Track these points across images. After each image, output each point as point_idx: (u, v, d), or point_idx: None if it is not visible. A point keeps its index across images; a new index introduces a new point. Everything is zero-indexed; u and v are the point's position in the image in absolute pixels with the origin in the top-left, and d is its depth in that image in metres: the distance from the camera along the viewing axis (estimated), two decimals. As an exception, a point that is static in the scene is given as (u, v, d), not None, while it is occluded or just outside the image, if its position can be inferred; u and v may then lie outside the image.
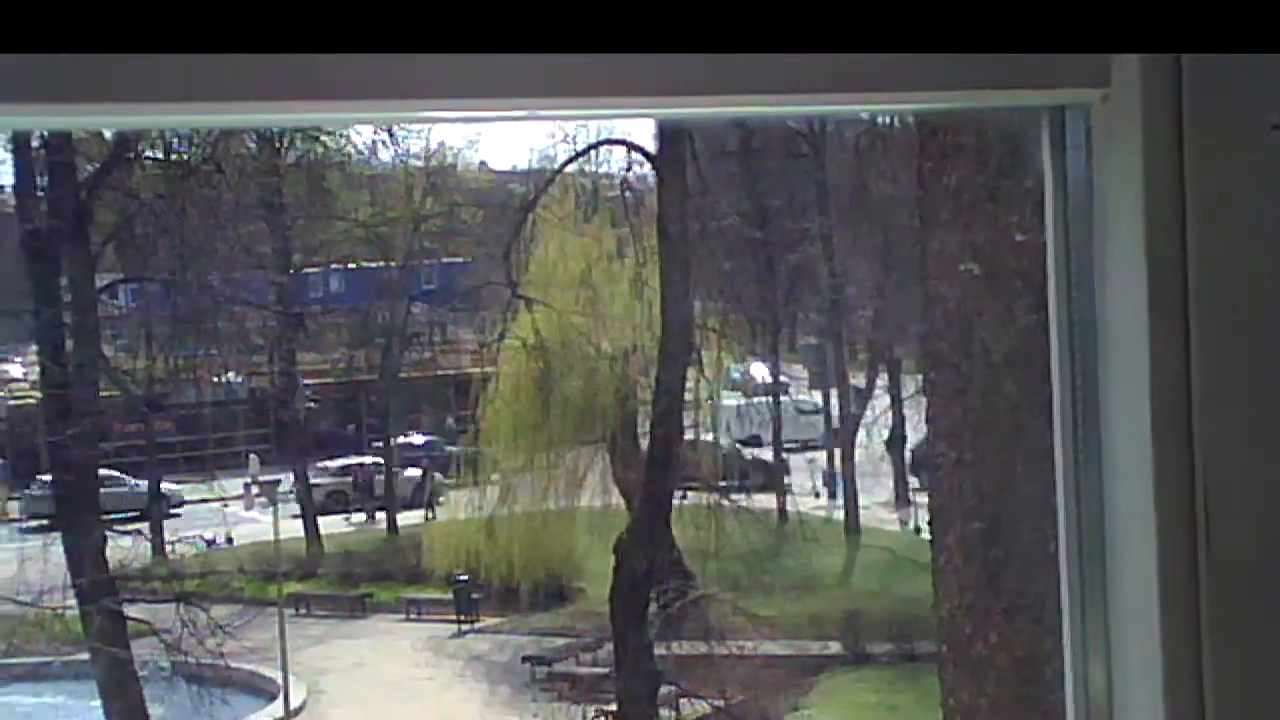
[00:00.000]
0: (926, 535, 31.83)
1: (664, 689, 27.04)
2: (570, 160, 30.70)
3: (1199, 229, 2.16)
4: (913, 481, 38.61)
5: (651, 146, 29.64)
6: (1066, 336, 2.34)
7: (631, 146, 29.60)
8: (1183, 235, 2.16)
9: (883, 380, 37.91)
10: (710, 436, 31.60)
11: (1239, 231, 2.17)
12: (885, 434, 37.55)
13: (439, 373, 41.71)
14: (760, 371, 37.15)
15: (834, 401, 38.03)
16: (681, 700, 28.80)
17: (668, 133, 26.50)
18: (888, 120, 35.66)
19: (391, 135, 37.18)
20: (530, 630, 34.08)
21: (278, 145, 39.58)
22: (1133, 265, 2.20)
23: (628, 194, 29.98)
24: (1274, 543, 2.19)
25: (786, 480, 36.67)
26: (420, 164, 39.52)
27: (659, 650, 27.17)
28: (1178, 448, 2.18)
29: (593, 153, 32.69)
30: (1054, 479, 2.59)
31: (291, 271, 40.84)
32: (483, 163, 43.92)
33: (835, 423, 38.04)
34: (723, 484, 31.15)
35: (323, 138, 39.22)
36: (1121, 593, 2.32)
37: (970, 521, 2.23)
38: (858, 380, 37.96)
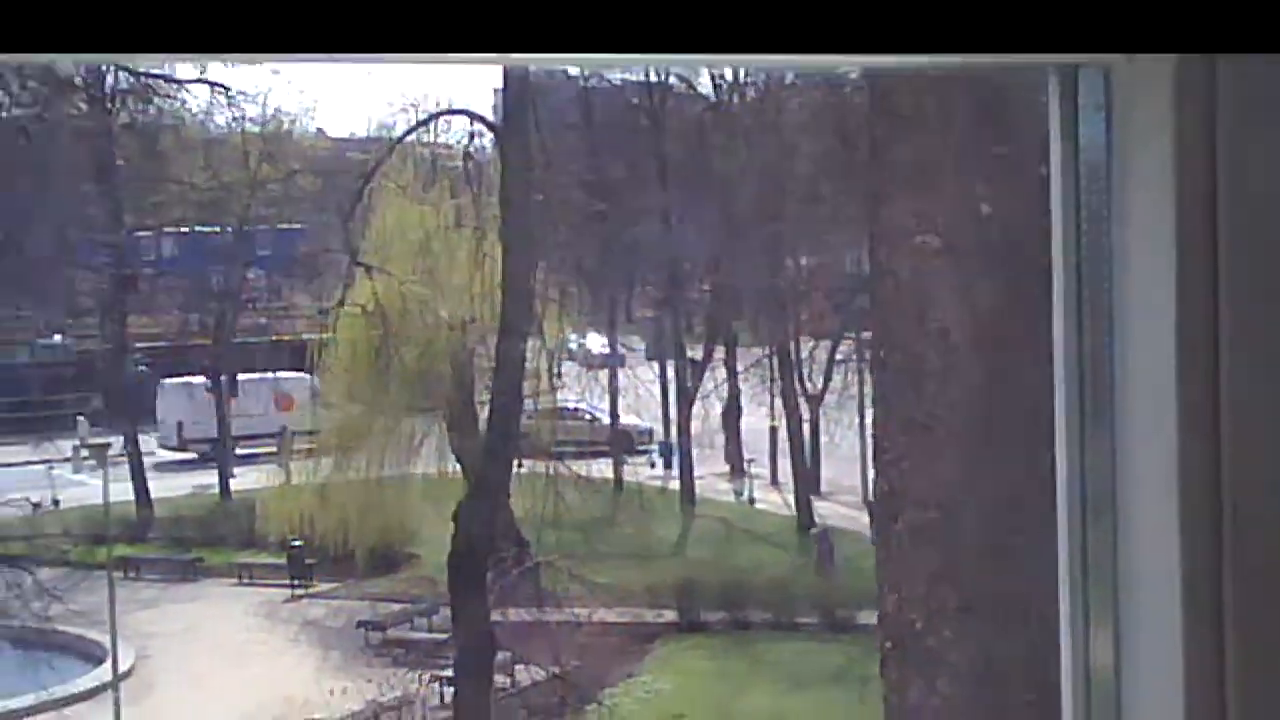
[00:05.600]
0: (760, 506, 32.06)
1: (500, 655, 27.21)
2: (413, 129, 30.69)
3: (1232, 197, 2.05)
4: (746, 453, 39.20)
5: (493, 117, 29.82)
6: (1074, 309, 2.24)
7: (474, 117, 29.65)
8: (1214, 204, 2.04)
9: (720, 353, 38.39)
10: (550, 405, 31.79)
11: (1276, 200, 2.06)
12: (721, 405, 38.07)
13: (274, 338, 41.40)
14: (597, 342, 37.43)
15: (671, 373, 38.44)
16: (517, 666, 29.01)
17: (511, 103, 26.59)
18: (729, 97, 36.17)
19: (229, 98, 36.79)
20: (364, 596, 34.09)
21: (109, 106, 39.06)
22: (1159, 235, 2.09)
23: (469, 164, 30.00)
24: None
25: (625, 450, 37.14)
26: (257, 129, 39.11)
27: (495, 617, 27.32)
28: (1204, 425, 2.08)
29: (433, 122, 32.76)
30: (1024, 464, 2.58)
31: (124, 233, 40.33)
32: (320, 130, 43.64)
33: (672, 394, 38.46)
34: (561, 452, 31.33)
35: (156, 100, 38.76)
36: (1135, 568, 2.23)
37: (923, 510, 2.27)
38: (695, 353, 38.37)
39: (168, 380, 40.84)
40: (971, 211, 2.61)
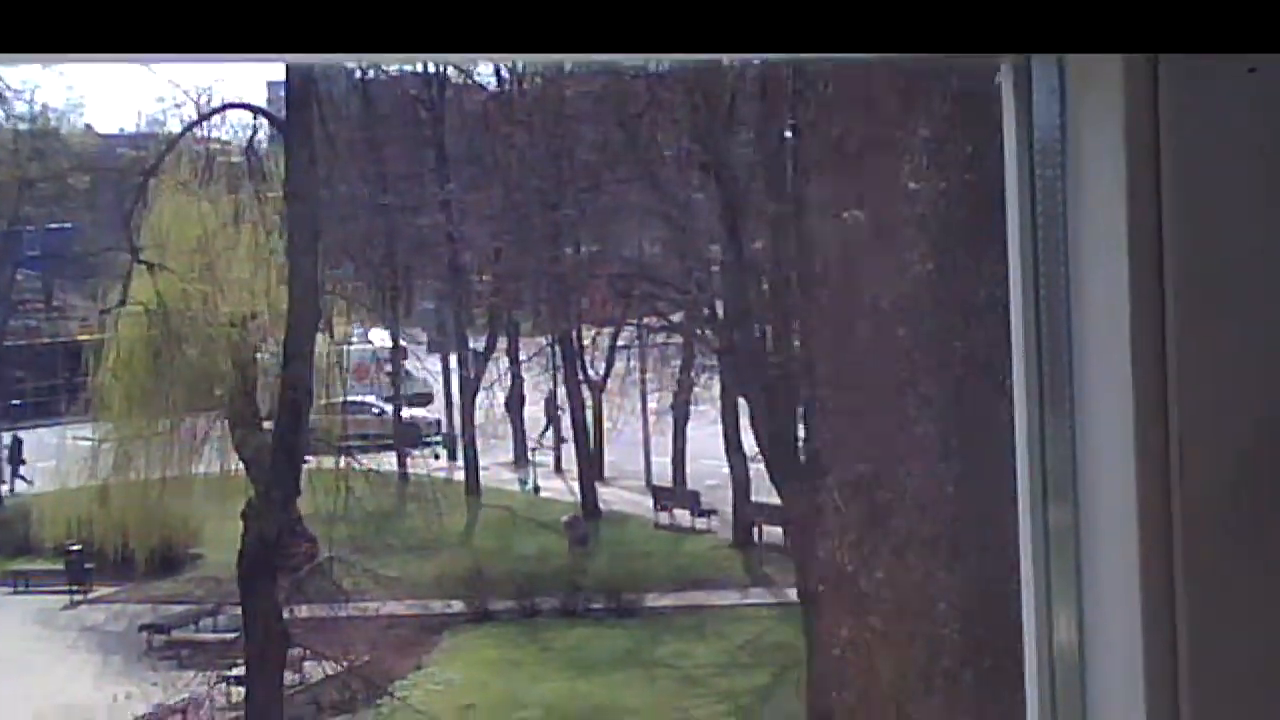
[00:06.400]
0: (545, 494, 32.28)
1: (290, 651, 27.06)
2: (195, 123, 30.26)
3: (1176, 172, 2.16)
4: (530, 442, 39.40)
5: (268, 109, 29.57)
6: (1031, 279, 2.32)
7: (258, 111, 29.37)
8: (1159, 186, 2.16)
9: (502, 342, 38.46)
10: (338, 400, 31.62)
11: (1217, 173, 2.17)
12: (504, 395, 38.17)
13: (47, 341, 40.45)
14: (379, 337, 37.26)
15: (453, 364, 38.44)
16: (307, 662, 28.86)
17: (295, 97, 26.44)
18: (509, 86, 36.22)
19: (-1, 96, 35.77)
20: (147, 598, 33.54)
21: None
22: (1112, 218, 2.20)
23: (252, 158, 29.70)
24: (1246, 485, 2.18)
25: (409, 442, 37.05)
26: (26, 127, 38.12)
27: (284, 614, 27.17)
28: (1155, 392, 2.17)
29: (208, 116, 32.28)
30: (950, 417, 2.78)
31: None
32: (88, 125, 42.63)
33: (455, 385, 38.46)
34: (349, 446, 31.19)
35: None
36: (1096, 551, 2.29)
37: (854, 464, 2.37)
38: (477, 344, 38.43)
39: None
40: (898, 188, 2.78)
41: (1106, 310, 2.23)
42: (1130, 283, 2.19)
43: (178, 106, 32.47)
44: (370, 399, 36.35)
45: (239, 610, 29.37)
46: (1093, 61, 2.21)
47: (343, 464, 29.74)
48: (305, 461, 28.69)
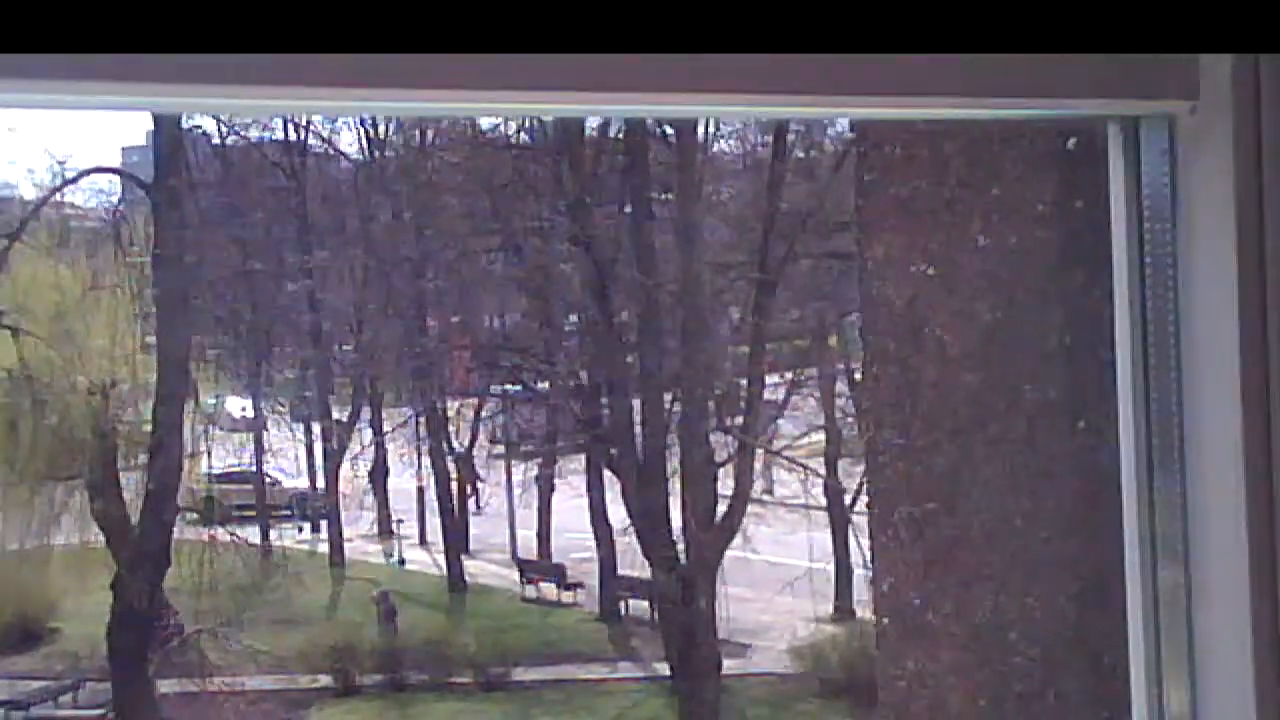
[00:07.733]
0: (410, 566, 31.95)
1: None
2: (60, 186, 29.75)
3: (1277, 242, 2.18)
4: (394, 514, 39.06)
5: (131, 173, 29.22)
6: (1139, 339, 2.33)
7: (124, 175, 28.99)
8: (1262, 247, 2.18)
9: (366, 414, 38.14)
10: (204, 469, 31.12)
11: None
12: (369, 467, 37.83)
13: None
14: (238, 405, 36.78)
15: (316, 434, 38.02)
16: (171, 739, 28.29)
17: (163, 161, 26.16)
18: (373, 154, 36.13)
19: None
20: (4, 674, 32.67)
21: None
22: (1222, 270, 2.21)
23: (119, 222, 29.27)
24: None
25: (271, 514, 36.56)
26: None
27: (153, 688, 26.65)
28: (1264, 451, 2.18)
29: (64, 180, 31.76)
30: (1019, 455, 2.58)
31: None
32: (-64, 189, 41.76)
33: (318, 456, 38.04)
34: (217, 517, 30.70)
35: None
36: (1207, 601, 2.26)
37: (921, 502, 2.39)
38: (341, 414, 38.05)
39: None
40: (968, 243, 2.78)
41: (1215, 370, 2.23)
42: (1240, 343, 2.19)
43: (30, 171, 31.98)
44: (241, 468, 35.84)
45: (100, 685, 28.78)
46: (1201, 122, 2.23)
47: (210, 535, 29.27)
48: (175, 531, 28.20)
